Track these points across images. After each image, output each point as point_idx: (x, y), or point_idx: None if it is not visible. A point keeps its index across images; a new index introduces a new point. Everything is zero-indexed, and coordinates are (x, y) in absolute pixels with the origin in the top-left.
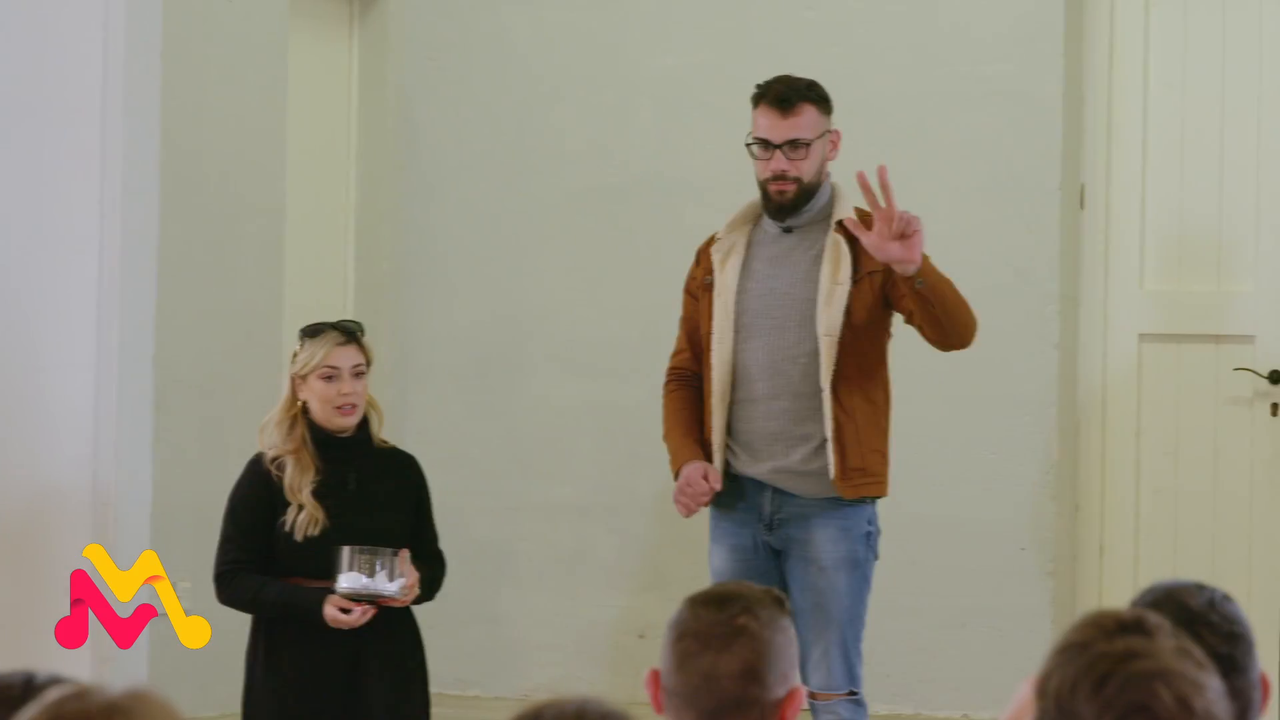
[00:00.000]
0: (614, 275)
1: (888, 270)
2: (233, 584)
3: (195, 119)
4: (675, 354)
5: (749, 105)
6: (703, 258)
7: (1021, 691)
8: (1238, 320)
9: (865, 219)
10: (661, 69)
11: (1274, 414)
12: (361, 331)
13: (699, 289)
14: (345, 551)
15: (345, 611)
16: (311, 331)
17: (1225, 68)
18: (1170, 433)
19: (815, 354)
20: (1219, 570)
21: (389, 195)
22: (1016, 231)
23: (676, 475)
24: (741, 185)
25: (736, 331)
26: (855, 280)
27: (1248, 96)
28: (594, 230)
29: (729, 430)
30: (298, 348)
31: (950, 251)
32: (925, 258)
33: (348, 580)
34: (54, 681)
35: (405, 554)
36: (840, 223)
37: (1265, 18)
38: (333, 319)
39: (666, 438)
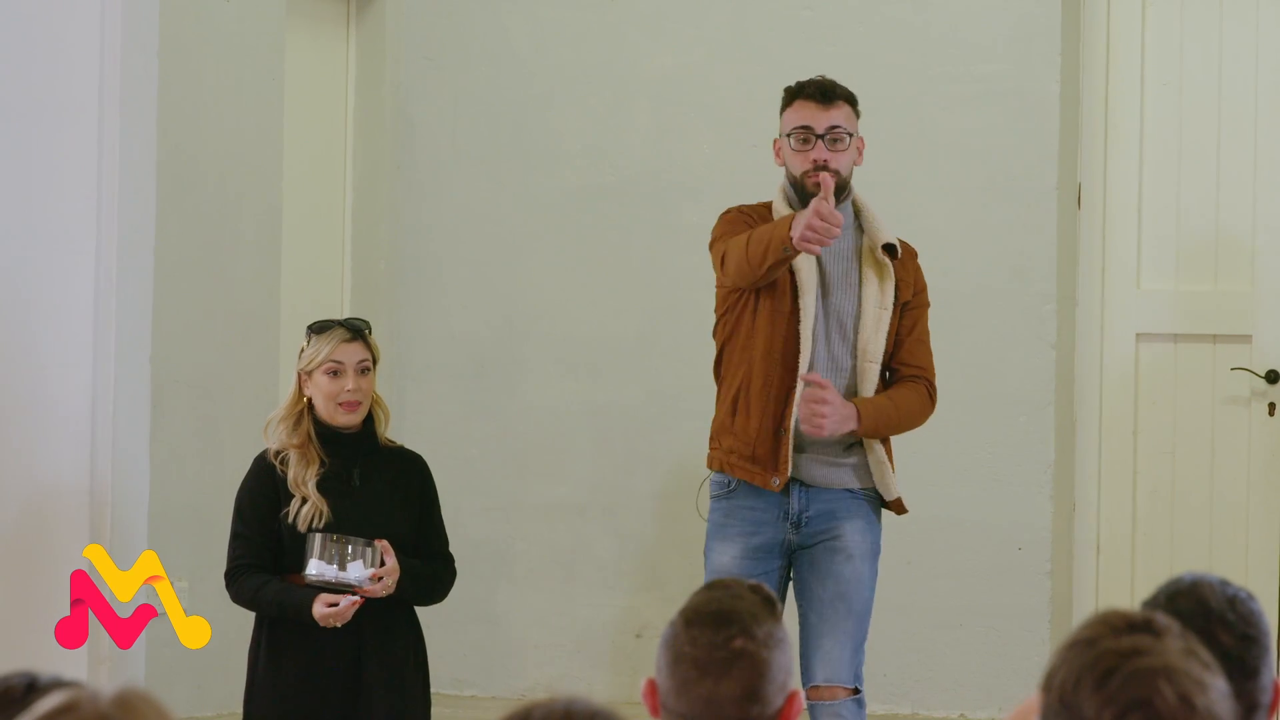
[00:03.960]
0: (611, 275)
1: (907, 302)
2: (237, 582)
3: (192, 119)
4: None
5: (745, 105)
6: (760, 220)
7: (1033, 695)
8: (1235, 320)
9: (905, 250)
10: (658, 69)
11: (1271, 413)
12: (369, 330)
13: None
14: (317, 538)
15: (335, 605)
16: (319, 328)
17: (1222, 67)
18: (1167, 432)
19: (852, 370)
20: (1215, 570)
21: (386, 195)
22: (1014, 231)
23: (779, 245)
24: (738, 185)
25: (812, 326)
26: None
27: (1244, 96)
28: (591, 230)
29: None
30: (305, 344)
31: (947, 251)
32: (865, 412)
33: (315, 568)
34: (56, 683)
35: (383, 545)
36: (885, 245)
37: (1262, 17)
38: (331, 318)
39: (752, 239)
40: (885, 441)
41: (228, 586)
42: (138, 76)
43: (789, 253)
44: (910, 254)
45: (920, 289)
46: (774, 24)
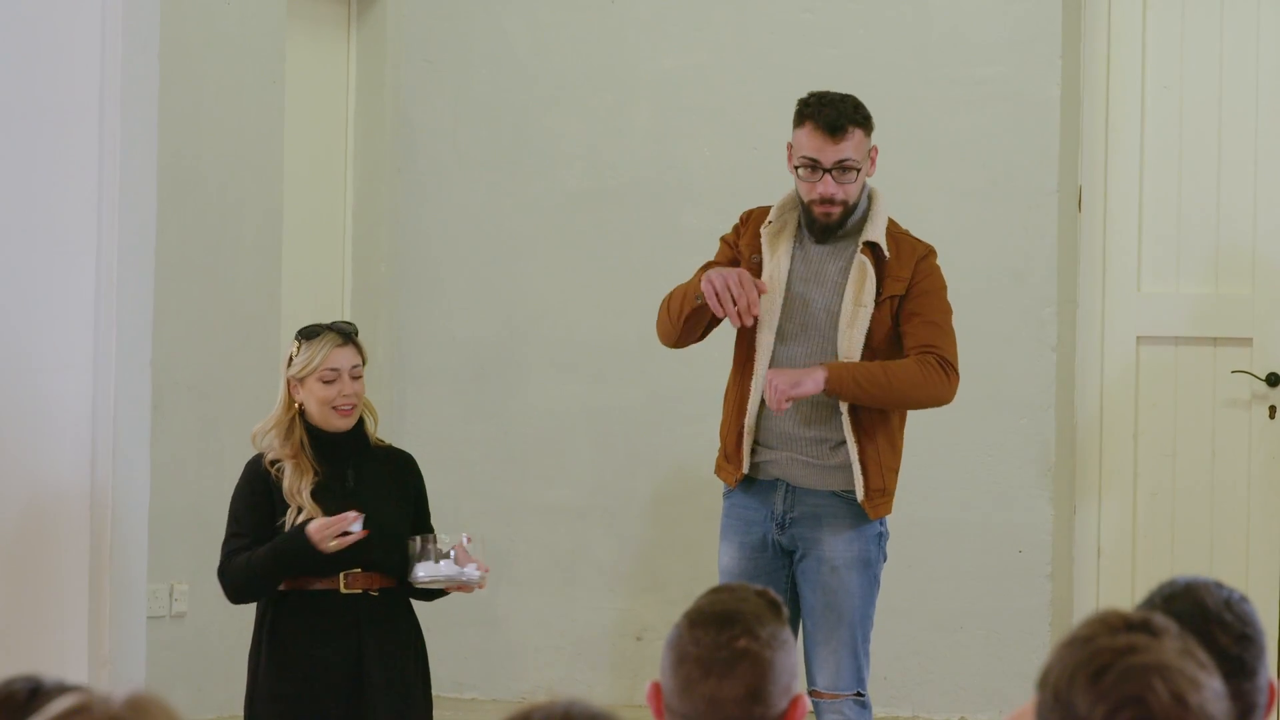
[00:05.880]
0: (611, 278)
1: (904, 297)
2: (229, 571)
3: (193, 121)
4: None
5: (746, 108)
6: (751, 226)
7: (1031, 700)
8: (1235, 323)
9: (896, 234)
10: (658, 72)
11: (1271, 416)
12: (356, 332)
13: (744, 262)
14: (416, 542)
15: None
16: (308, 334)
17: (1223, 70)
18: (1168, 435)
19: None
20: (1216, 572)
21: (386, 198)
22: (1014, 234)
23: (693, 292)
24: (738, 188)
25: (776, 330)
26: (877, 303)
27: (1245, 98)
28: (591, 233)
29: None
30: (294, 350)
31: (947, 254)
32: (834, 371)
33: (425, 570)
34: (60, 688)
35: (466, 541)
36: (867, 243)
37: (1262, 20)
38: (328, 321)
39: (673, 293)
40: (877, 445)
41: (222, 580)
42: (138, 79)
43: (700, 300)
44: (911, 251)
45: (920, 278)
46: (775, 26)
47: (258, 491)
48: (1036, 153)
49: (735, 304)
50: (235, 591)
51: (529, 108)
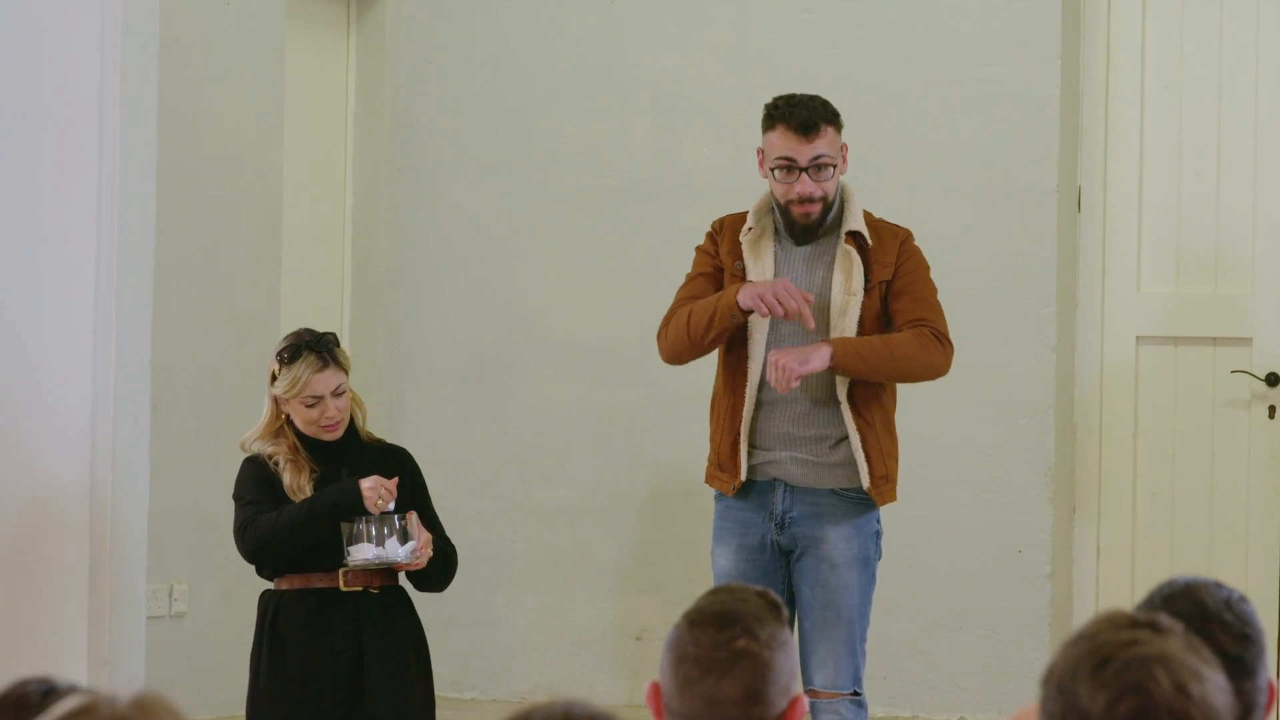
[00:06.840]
0: (610, 278)
1: (890, 281)
2: (251, 528)
3: (192, 122)
4: (675, 306)
5: (745, 108)
6: (727, 235)
7: (1032, 704)
8: (1235, 322)
9: (874, 222)
10: (658, 72)
11: (1271, 416)
12: (336, 343)
13: (727, 272)
14: (353, 523)
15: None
16: (289, 356)
17: (1222, 70)
18: (1167, 435)
19: None
20: (1216, 572)
21: (385, 198)
22: (1013, 234)
23: (726, 310)
24: (737, 189)
25: (768, 333)
26: (866, 289)
27: (1245, 99)
28: (590, 233)
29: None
30: (275, 368)
31: (947, 254)
32: (839, 346)
33: (358, 551)
34: (72, 689)
35: (413, 516)
36: (850, 232)
37: (1262, 20)
38: (299, 336)
39: (694, 311)
40: (877, 432)
41: (241, 536)
42: (138, 79)
43: (736, 319)
44: (892, 235)
45: (905, 260)
46: (774, 27)
47: (263, 480)
48: (1036, 153)
49: (787, 306)
50: (257, 544)
51: (528, 107)
